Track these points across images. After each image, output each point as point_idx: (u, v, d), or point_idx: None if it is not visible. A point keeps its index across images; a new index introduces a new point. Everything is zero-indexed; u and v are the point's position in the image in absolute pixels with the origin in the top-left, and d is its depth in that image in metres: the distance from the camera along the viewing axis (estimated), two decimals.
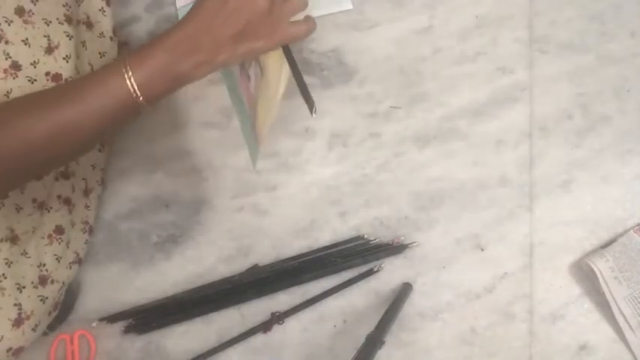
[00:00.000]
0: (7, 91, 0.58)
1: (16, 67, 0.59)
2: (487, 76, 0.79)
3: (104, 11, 0.74)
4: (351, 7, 0.82)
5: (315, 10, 0.83)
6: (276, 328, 0.76)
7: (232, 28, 0.49)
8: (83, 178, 0.72)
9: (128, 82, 0.47)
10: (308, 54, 0.82)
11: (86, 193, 0.73)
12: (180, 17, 0.83)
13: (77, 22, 0.68)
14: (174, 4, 0.84)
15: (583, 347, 0.74)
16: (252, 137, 0.62)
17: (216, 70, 0.52)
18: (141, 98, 0.47)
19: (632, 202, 0.76)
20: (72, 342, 0.76)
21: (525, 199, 0.77)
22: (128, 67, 0.47)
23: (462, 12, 0.81)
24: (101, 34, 0.73)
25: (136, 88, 0.47)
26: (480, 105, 0.79)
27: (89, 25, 0.71)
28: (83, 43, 0.69)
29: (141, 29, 0.84)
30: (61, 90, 0.52)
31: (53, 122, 0.46)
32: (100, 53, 0.73)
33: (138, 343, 0.77)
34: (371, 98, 0.80)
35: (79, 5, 0.69)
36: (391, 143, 0.79)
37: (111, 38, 0.75)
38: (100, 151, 0.75)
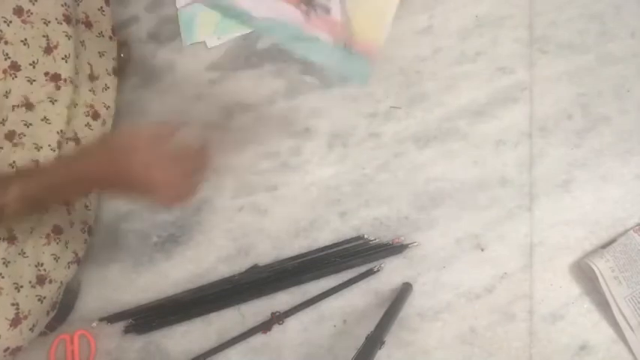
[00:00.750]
0: (6, 91, 0.58)
1: (15, 67, 0.59)
2: (487, 76, 0.79)
3: (103, 11, 0.74)
4: None
5: None
6: (276, 328, 0.76)
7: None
8: None
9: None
10: None
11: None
12: (180, 17, 0.83)
13: (76, 21, 0.68)
14: (174, 4, 0.84)
15: (583, 347, 0.73)
16: (351, 60, 0.62)
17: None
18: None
19: (632, 202, 0.76)
20: (72, 342, 0.76)
21: (525, 199, 0.77)
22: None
23: (462, 12, 0.81)
24: (100, 34, 0.73)
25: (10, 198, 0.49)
26: (480, 105, 0.79)
27: (88, 24, 0.71)
28: (82, 43, 0.69)
29: (141, 29, 0.85)
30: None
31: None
32: (99, 52, 0.73)
33: (138, 343, 0.77)
34: (371, 98, 0.80)
35: (78, 5, 0.69)
36: (391, 143, 0.79)
37: (110, 37, 0.75)
38: None
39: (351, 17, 0.61)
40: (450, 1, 0.81)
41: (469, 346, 0.74)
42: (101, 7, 0.74)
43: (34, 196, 0.49)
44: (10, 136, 0.60)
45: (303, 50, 0.64)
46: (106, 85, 0.75)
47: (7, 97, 0.59)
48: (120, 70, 0.79)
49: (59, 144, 0.64)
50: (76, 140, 0.69)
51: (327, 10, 0.62)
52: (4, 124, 0.59)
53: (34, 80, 0.61)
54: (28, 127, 0.61)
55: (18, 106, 0.60)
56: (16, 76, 0.59)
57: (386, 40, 0.78)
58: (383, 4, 0.61)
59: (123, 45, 0.81)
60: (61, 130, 0.64)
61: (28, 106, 0.61)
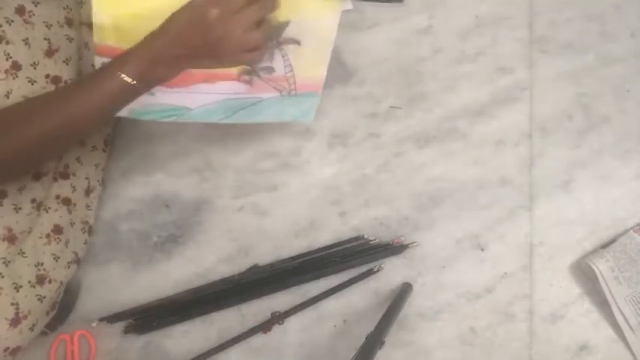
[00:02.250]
0: (8, 92, 0.59)
1: (16, 67, 0.59)
2: (487, 76, 0.79)
3: None
4: (351, 7, 0.82)
5: None
6: (276, 328, 0.76)
7: (188, 49, 0.55)
8: (86, 178, 0.72)
9: (126, 79, 0.54)
10: None
11: (88, 192, 0.73)
12: None
13: (79, 23, 0.68)
14: None
15: (583, 347, 0.73)
16: (297, 101, 0.65)
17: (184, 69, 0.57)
18: (136, 84, 0.54)
19: (632, 202, 0.76)
20: (72, 342, 0.76)
21: (525, 199, 0.77)
22: (118, 70, 0.54)
23: (462, 12, 0.81)
24: None
25: (132, 81, 0.54)
26: (480, 105, 0.79)
27: (91, 26, 0.71)
28: (86, 45, 0.69)
29: None
30: (68, 89, 0.59)
31: (71, 115, 0.54)
32: None
33: (138, 343, 0.77)
34: (371, 98, 0.80)
35: (80, 7, 0.69)
36: (391, 143, 0.79)
37: None
38: (103, 150, 0.75)
39: (295, 66, 0.63)
40: (450, 1, 0.81)
41: (469, 346, 0.74)
42: None
43: (144, 71, 0.54)
44: None
45: (247, 116, 0.64)
46: None
47: (7, 98, 0.59)
48: None
49: None
50: (81, 142, 0.69)
51: (271, 70, 0.63)
52: None
53: (35, 81, 0.61)
54: None
55: None
56: (17, 76, 0.59)
57: (386, 41, 0.79)
58: (321, 42, 0.63)
59: None
60: None
61: None
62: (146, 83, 0.55)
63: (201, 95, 0.62)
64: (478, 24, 0.80)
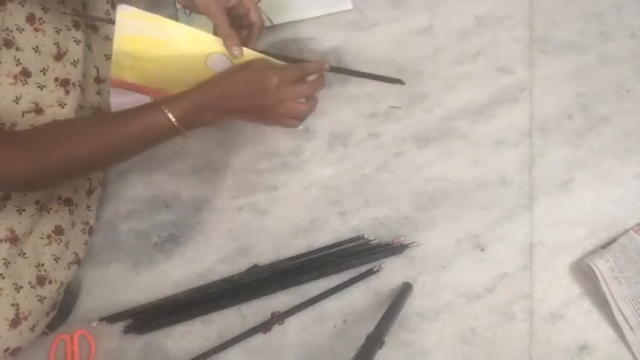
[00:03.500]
0: (17, 97, 0.59)
1: (26, 73, 0.60)
2: (487, 76, 0.79)
3: (109, 14, 0.74)
4: (351, 7, 0.82)
5: (315, 10, 0.83)
6: (276, 328, 0.76)
7: (241, 105, 0.60)
8: (88, 179, 0.73)
9: (168, 115, 0.57)
10: (308, 54, 0.82)
11: (89, 193, 0.73)
12: (179, 18, 0.83)
13: (85, 26, 0.68)
14: (174, 4, 0.84)
15: (583, 347, 0.73)
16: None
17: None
18: (177, 124, 0.57)
19: (632, 202, 0.76)
20: (72, 342, 0.76)
21: (525, 199, 0.77)
22: (165, 107, 0.57)
23: (462, 12, 0.81)
24: (106, 37, 0.74)
25: (174, 119, 0.57)
26: (480, 105, 0.79)
27: (94, 28, 0.72)
28: (89, 46, 0.70)
29: None
30: (114, 116, 0.61)
31: (112, 141, 0.57)
32: (105, 55, 0.74)
33: (138, 343, 0.77)
34: (371, 98, 0.80)
35: (85, 9, 0.69)
36: (391, 143, 0.79)
37: None
38: None
39: None
40: (450, 1, 0.81)
41: (469, 346, 0.74)
42: (107, 12, 0.74)
43: (187, 118, 0.57)
44: None
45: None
46: None
47: (17, 103, 0.59)
48: None
49: None
50: None
51: None
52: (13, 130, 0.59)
53: (45, 86, 0.62)
54: None
55: (27, 112, 0.61)
56: (26, 83, 0.60)
57: (386, 41, 0.79)
58: None
59: None
60: None
61: (38, 111, 0.62)
62: (188, 126, 0.58)
63: None
64: (478, 24, 0.80)
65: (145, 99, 0.63)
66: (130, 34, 0.58)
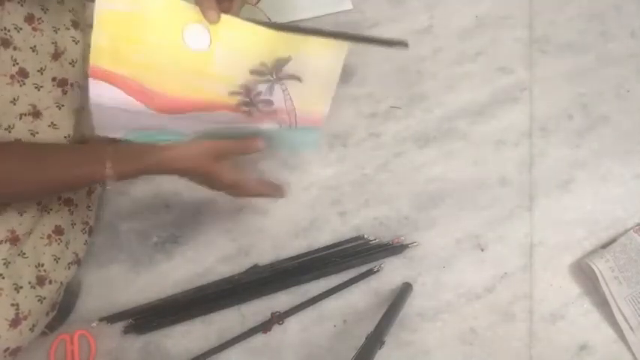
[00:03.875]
0: (14, 98, 0.59)
1: (23, 74, 0.60)
2: (487, 76, 0.79)
3: None
4: (351, 7, 0.82)
5: (315, 10, 0.83)
6: (276, 328, 0.76)
7: (183, 174, 0.61)
8: None
9: (108, 171, 0.56)
10: None
11: (89, 193, 0.73)
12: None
13: (85, 25, 0.68)
14: None
15: (583, 347, 0.74)
16: (298, 133, 0.64)
17: None
18: (110, 177, 0.56)
19: (632, 202, 0.76)
20: (72, 342, 0.76)
21: (525, 199, 0.77)
22: (108, 163, 0.56)
23: (462, 12, 0.81)
24: None
25: (110, 171, 0.56)
26: (480, 105, 0.79)
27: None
28: (89, 46, 0.70)
29: None
30: (59, 152, 0.60)
31: (40, 178, 0.56)
32: None
33: (138, 343, 0.77)
34: (371, 98, 0.80)
35: (84, 9, 0.69)
36: (391, 143, 0.79)
37: None
38: None
39: (295, 101, 0.61)
40: (450, 1, 0.81)
41: (469, 346, 0.74)
42: None
43: (125, 176, 0.56)
44: None
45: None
46: None
47: (14, 104, 0.59)
48: None
49: None
50: (83, 142, 0.69)
51: (270, 104, 0.61)
52: (10, 132, 0.59)
53: (42, 86, 0.62)
54: (34, 135, 0.61)
55: (25, 114, 0.60)
56: (24, 83, 0.60)
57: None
58: (324, 81, 0.61)
59: None
60: (69, 135, 0.65)
61: (36, 114, 0.61)
62: (122, 179, 0.57)
63: (198, 121, 0.61)
64: (478, 24, 0.80)
65: (124, 100, 0.57)
66: (108, 9, 0.54)
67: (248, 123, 0.62)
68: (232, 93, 0.58)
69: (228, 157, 0.59)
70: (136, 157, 0.56)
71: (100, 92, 0.56)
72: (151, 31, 0.55)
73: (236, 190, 0.62)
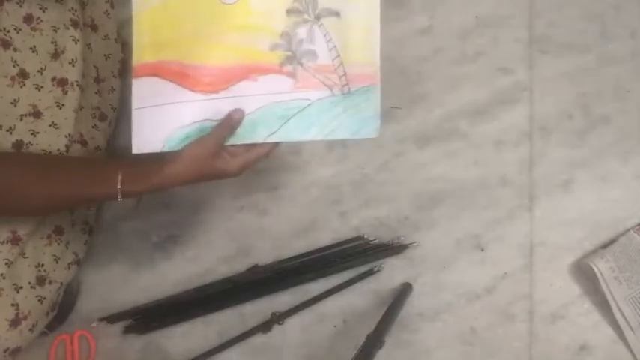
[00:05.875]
0: (15, 99, 0.59)
1: (23, 75, 0.60)
2: (487, 76, 0.79)
3: (109, 14, 0.74)
4: None
5: None
6: (276, 328, 0.76)
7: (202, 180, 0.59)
8: None
9: (118, 189, 0.55)
10: None
11: None
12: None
13: (83, 25, 0.68)
14: None
15: (583, 347, 0.74)
16: (357, 106, 0.59)
17: None
18: (120, 199, 0.55)
19: (632, 202, 0.76)
20: (72, 342, 0.76)
21: (525, 199, 0.77)
22: (119, 180, 0.55)
23: (462, 12, 0.81)
24: (106, 37, 0.73)
25: (120, 194, 0.55)
26: (480, 105, 0.79)
27: (94, 27, 0.72)
28: (89, 46, 0.70)
29: None
30: (63, 169, 0.58)
31: (48, 193, 0.54)
32: (105, 55, 0.73)
33: (138, 343, 0.77)
34: None
35: (84, 9, 0.69)
36: (391, 143, 0.79)
37: (115, 40, 0.76)
38: (105, 150, 0.75)
39: (340, 49, 0.57)
40: (450, 1, 0.81)
41: (469, 346, 0.74)
42: (106, 11, 0.74)
43: (132, 196, 0.56)
44: (18, 145, 0.60)
45: (297, 128, 0.58)
46: (112, 87, 0.76)
47: (15, 106, 0.59)
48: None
49: (67, 148, 0.64)
50: (83, 142, 0.69)
51: (314, 55, 0.57)
52: (11, 133, 0.59)
53: (42, 87, 0.62)
54: (35, 135, 0.61)
55: (26, 115, 0.60)
56: (24, 84, 0.60)
57: (386, 41, 0.78)
58: (366, 21, 0.58)
59: (123, 45, 0.81)
60: (69, 134, 0.65)
61: (36, 114, 0.62)
62: (129, 198, 0.56)
63: (244, 99, 0.57)
64: (478, 24, 0.80)
65: (164, 89, 0.56)
66: (145, 10, 0.55)
67: (295, 91, 0.57)
68: (274, 46, 0.56)
69: (222, 145, 0.57)
70: (144, 178, 0.55)
71: (141, 93, 0.56)
72: (189, 5, 0.55)
73: (246, 169, 0.60)
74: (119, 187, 0.54)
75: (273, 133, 0.58)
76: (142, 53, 0.56)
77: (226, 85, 0.56)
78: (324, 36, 0.56)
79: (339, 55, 0.57)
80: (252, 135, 0.58)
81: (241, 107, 0.57)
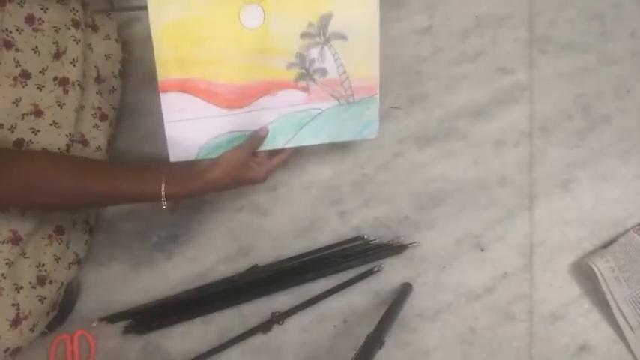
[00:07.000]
0: (17, 99, 0.59)
1: (25, 75, 0.60)
2: (487, 76, 0.79)
3: (109, 14, 0.74)
4: None
5: None
6: (276, 328, 0.76)
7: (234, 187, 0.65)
8: None
9: (162, 192, 0.59)
10: None
11: None
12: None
13: (85, 25, 0.68)
14: None
15: (583, 347, 0.74)
16: (357, 114, 0.67)
17: None
18: (164, 201, 0.59)
19: (632, 202, 0.76)
20: (72, 342, 0.76)
21: (525, 199, 0.77)
22: (163, 183, 0.59)
23: (462, 12, 0.81)
24: (107, 37, 0.74)
25: (164, 195, 0.59)
26: (480, 105, 0.79)
27: (95, 28, 0.72)
28: (89, 46, 0.70)
29: (142, 29, 0.84)
30: (107, 170, 0.63)
31: (88, 191, 0.59)
32: (105, 55, 0.74)
33: (138, 343, 0.77)
34: None
35: (85, 9, 0.69)
36: (391, 143, 0.79)
37: (116, 40, 0.76)
38: (106, 151, 0.76)
39: (346, 66, 0.65)
40: (450, 1, 0.81)
41: (469, 346, 0.74)
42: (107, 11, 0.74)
43: (173, 198, 0.60)
44: (19, 144, 0.60)
45: (310, 135, 0.66)
46: (112, 87, 0.76)
47: (17, 105, 0.59)
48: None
49: (68, 147, 0.65)
50: (84, 142, 0.69)
51: (324, 71, 0.65)
52: (12, 132, 0.59)
53: (44, 86, 0.62)
54: (36, 134, 0.61)
55: (27, 114, 0.61)
56: (26, 84, 0.60)
57: (386, 41, 0.79)
58: (368, 42, 0.65)
59: (124, 45, 0.81)
60: (70, 134, 0.65)
61: (37, 113, 0.62)
62: (171, 200, 0.60)
63: (265, 112, 0.65)
64: (478, 24, 0.80)
65: (193, 105, 0.63)
66: (164, 22, 0.60)
67: (307, 103, 0.65)
68: (290, 65, 0.64)
69: (251, 156, 0.63)
70: (185, 183, 0.60)
71: (171, 107, 0.62)
72: (209, 26, 0.61)
73: (270, 175, 0.66)
74: (163, 191, 0.58)
75: (290, 139, 0.66)
76: (166, 69, 0.62)
77: (250, 100, 0.64)
78: (333, 55, 0.65)
79: (345, 71, 0.65)
80: (272, 142, 0.66)
81: (263, 118, 0.65)
